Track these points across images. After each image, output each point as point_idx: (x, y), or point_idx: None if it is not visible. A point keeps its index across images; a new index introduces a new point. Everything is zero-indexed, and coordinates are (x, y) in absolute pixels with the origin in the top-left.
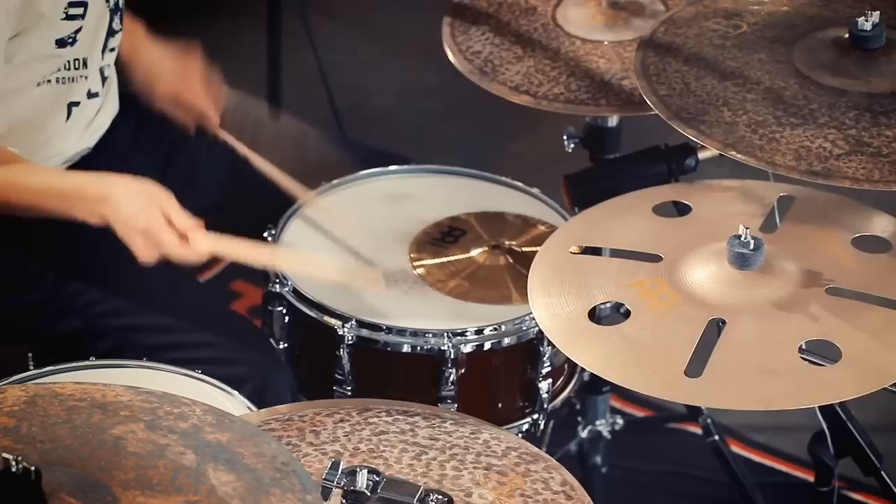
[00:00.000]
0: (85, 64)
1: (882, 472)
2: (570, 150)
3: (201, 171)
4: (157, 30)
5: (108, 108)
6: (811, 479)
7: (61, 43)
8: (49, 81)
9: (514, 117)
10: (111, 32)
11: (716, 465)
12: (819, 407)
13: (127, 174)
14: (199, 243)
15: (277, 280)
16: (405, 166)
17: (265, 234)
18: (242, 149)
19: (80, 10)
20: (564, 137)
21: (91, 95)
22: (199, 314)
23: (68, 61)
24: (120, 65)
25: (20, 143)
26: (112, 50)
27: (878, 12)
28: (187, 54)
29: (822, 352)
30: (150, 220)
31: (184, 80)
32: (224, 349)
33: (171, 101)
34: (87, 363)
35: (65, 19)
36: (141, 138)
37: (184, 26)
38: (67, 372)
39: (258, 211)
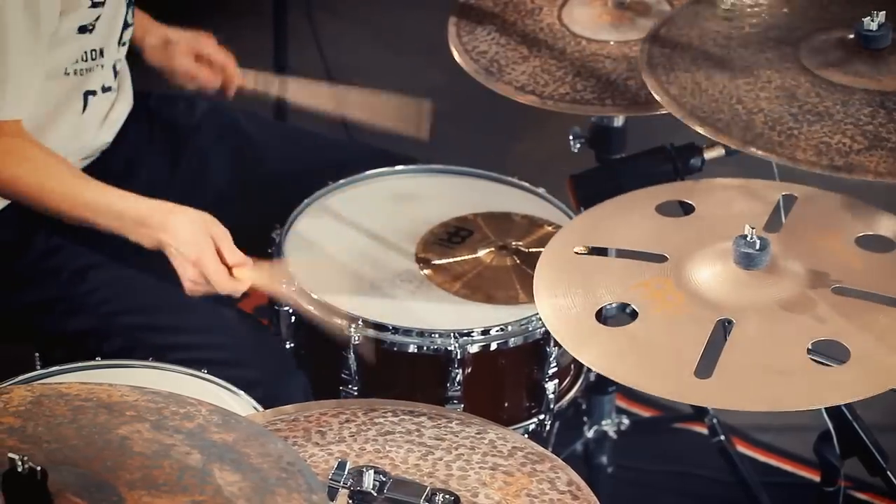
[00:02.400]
0: (102, 54)
1: (888, 472)
2: (575, 150)
3: (210, 166)
4: None
5: (123, 101)
6: (817, 479)
7: (82, 29)
8: (70, 73)
9: (520, 117)
10: (125, 25)
11: (721, 464)
12: (825, 407)
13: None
14: (244, 277)
15: (284, 280)
16: (411, 166)
17: (272, 234)
18: (273, 87)
19: None
20: (570, 137)
21: (105, 89)
22: (211, 316)
23: (86, 51)
24: (135, 50)
25: (42, 135)
26: (124, 44)
27: (883, 12)
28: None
29: (830, 352)
30: (204, 251)
31: (200, 38)
32: (236, 351)
33: (191, 62)
34: (92, 363)
35: (91, 7)
36: (153, 134)
37: (190, 26)
38: (73, 372)
39: (267, 206)
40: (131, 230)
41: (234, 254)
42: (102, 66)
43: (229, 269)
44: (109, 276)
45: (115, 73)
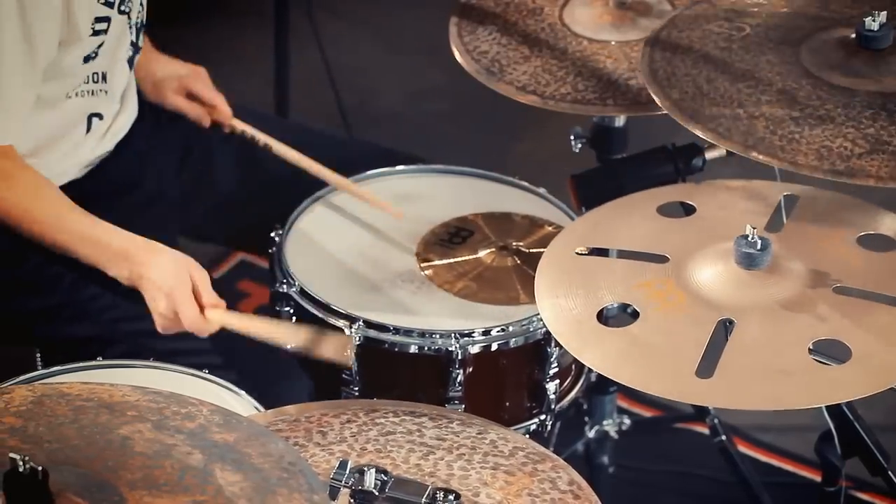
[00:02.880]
0: (104, 78)
1: (889, 472)
2: (576, 150)
3: (215, 167)
4: (165, 31)
5: (126, 112)
6: (818, 479)
7: (87, 59)
8: (71, 96)
9: (521, 117)
10: (136, 50)
11: (723, 464)
12: (826, 406)
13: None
14: (215, 319)
15: (285, 280)
16: (412, 166)
17: (272, 234)
18: (262, 137)
19: (104, 26)
20: (571, 137)
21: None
22: None
23: (88, 75)
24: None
25: (44, 155)
26: (131, 64)
27: (885, 12)
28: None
29: (831, 351)
30: (179, 285)
31: (192, 76)
32: (240, 355)
33: (182, 100)
34: (94, 363)
35: (92, 35)
36: (157, 139)
37: (191, 27)
38: (75, 372)
39: (271, 206)
40: (112, 262)
41: (210, 295)
42: (107, 92)
43: (202, 309)
44: (112, 282)
45: (122, 92)
